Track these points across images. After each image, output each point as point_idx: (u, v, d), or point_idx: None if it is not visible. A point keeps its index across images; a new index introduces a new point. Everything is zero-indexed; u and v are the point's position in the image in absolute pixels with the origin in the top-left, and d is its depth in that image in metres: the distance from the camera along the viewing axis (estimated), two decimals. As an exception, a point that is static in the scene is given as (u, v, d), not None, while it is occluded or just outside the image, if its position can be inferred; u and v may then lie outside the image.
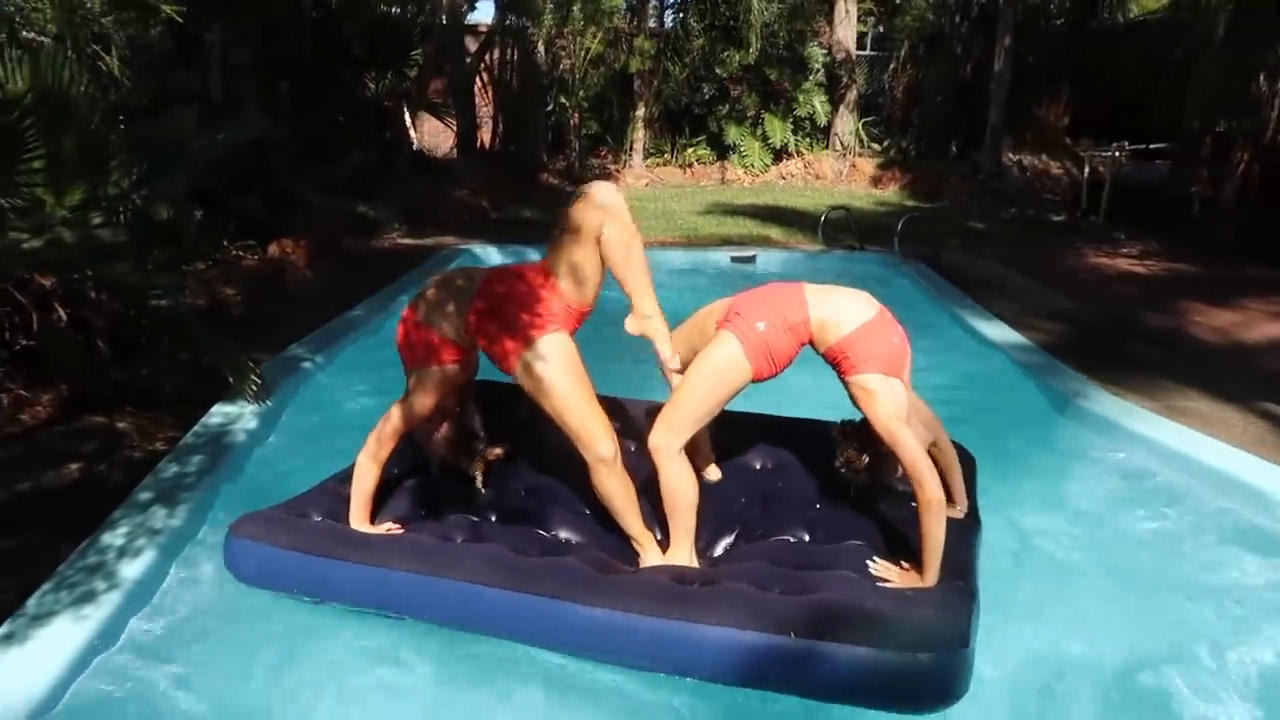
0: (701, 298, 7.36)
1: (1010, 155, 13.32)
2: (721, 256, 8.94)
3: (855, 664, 2.33)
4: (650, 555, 2.90)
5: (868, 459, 3.00)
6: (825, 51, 14.86)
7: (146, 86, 5.83)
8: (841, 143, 15.35)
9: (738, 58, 14.38)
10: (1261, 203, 8.78)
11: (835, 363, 2.85)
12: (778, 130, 14.84)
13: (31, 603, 2.55)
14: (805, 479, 3.34)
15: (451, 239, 9.29)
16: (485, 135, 14.53)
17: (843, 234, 9.45)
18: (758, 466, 3.52)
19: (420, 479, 3.26)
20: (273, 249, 7.38)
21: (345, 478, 3.15)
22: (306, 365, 4.83)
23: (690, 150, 15.24)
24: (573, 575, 2.64)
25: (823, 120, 15.15)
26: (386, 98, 11.00)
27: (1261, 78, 8.42)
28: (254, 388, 3.95)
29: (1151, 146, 11.44)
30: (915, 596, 2.56)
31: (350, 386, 4.91)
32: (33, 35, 4.97)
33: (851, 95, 15.23)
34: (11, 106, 3.38)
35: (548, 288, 2.79)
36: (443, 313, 2.83)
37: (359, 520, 2.93)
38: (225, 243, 7.05)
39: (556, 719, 2.51)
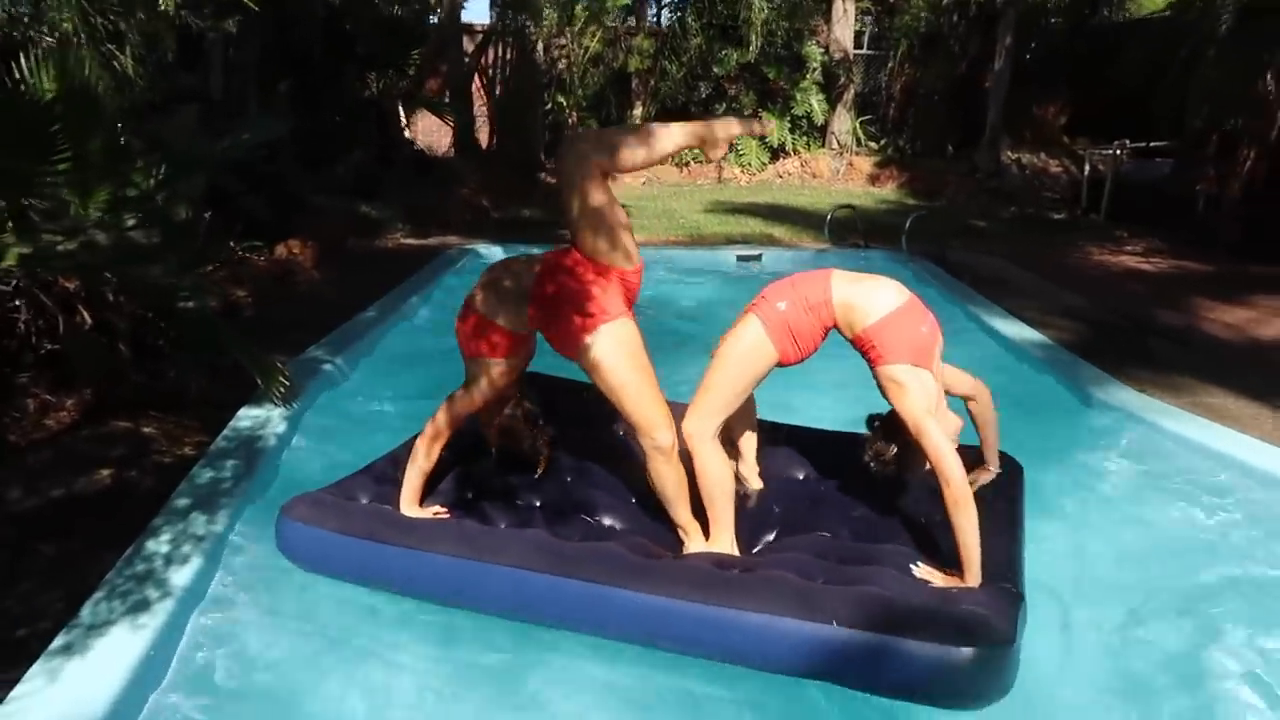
0: (710, 296, 7.38)
1: (1009, 154, 13.36)
2: (728, 256, 8.92)
3: (898, 656, 2.33)
4: (695, 543, 2.94)
5: (895, 450, 2.99)
6: (823, 50, 14.86)
7: (159, 85, 5.75)
8: (838, 141, 15.35)
9: (735, 56, 14.37)
10: (1267, 201, 8.82)
11: (864, 351, 2.86)
12: (775, 129, 14.82)
13: (85, 612, 2.50)
14: (846, 487, 3.33)
15: (455, 239, 9.24)
16: (482, 135, 14.47)
17: (849, 232, 9.45)
18: (801, 476, 3.52)
19: (466, 464, 3.29)
20: (280, 250, 7.31)
21: (393, 460, 3.26)
22: (327, 367, 4.78)
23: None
24: (618, 560, 2.68)
25: (820, 119, 15.16)
26: (386, 97, 10.93)
27: (1268, 76, 8.45)
28: (282, 390, 3.93)
29: (1152, 145, 11.51)
30: (960, 594, 2.56)
31: (371, 388, 4.88)
32: (44, 33, 4.89)
33: (849, 94, 15.24)
34: (40, 107, 3.31)
35: (596, 269, 2.77)
36: (503, 304, 2.84)
37: (409, 504, 2.98)
38: (232, 244, 6.99)
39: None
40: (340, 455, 3.92)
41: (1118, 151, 11.27)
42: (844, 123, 15.34)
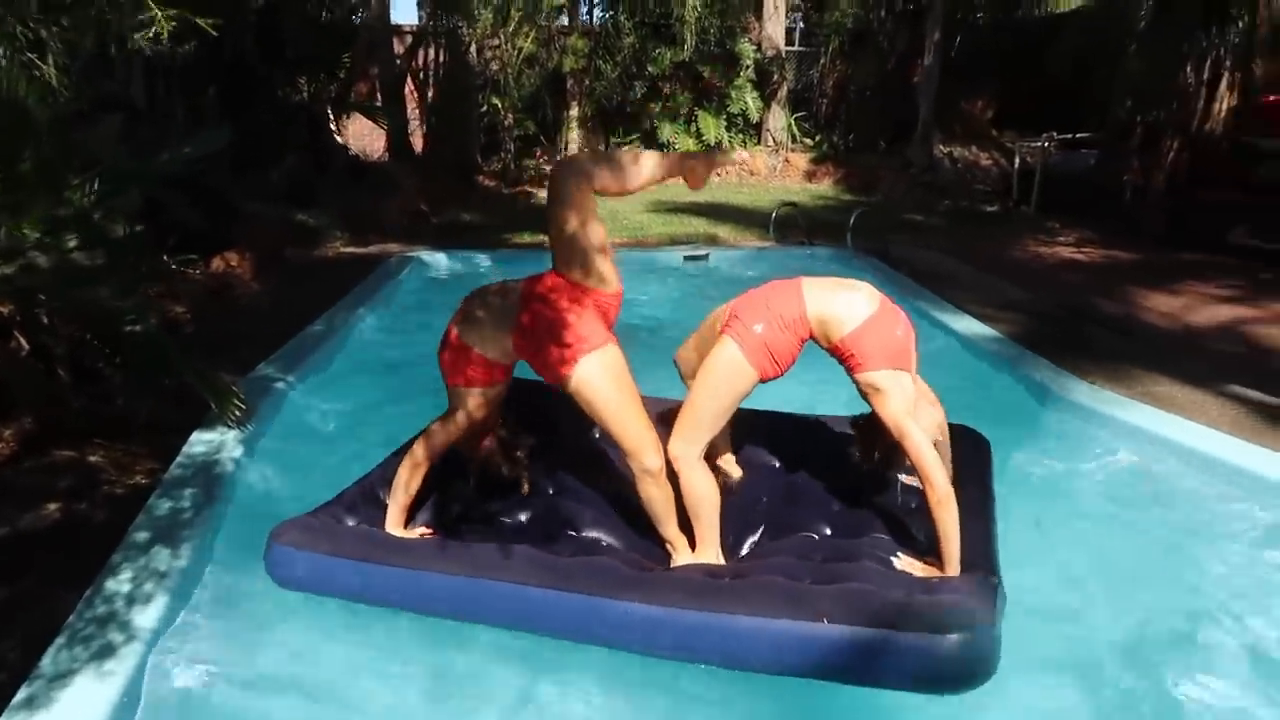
0: (660, 296, 7.40)
1: (940, 148, 13.61)
2: (674, 256, 8.91)
3: (887, 648, 2.39)
4: (682, 555, 2.97)
5: (879, 452, 3.11)
6: (755, 48, 14.95)
7: (83, 95, 5.48)
8: (774, 139, 15.47)
9: (669, 55, 14.37)
10: (1189, 191, 9.14)
11: (841, 359, 2.88)
12: (711, 127, 14.87)
13: (47, 662, 2.36)
14: (824, 475, 3.43)
15: (396, 246, 9.04)
16: (415, 138, 14.23)
17: (793, 230, 9.52)
18: (776, 464, 3.60)
19: (449, 483, 3.25)
20: (216, 263, 7.07)
21: (372, 484, 3.24)
22: (279, 385, 4.62)
23: (625, 149, 15.17)
24: (614, 573, 2.71)
25: (755, 116, 15.25)
26: (317, 101, 10.64)
27: (1188, 69, 8.75)
28: (236, 412, 3.79)
29: (1078, 136, 11.84)
30: (941, 583, 2.64)
31: (327, 405, 4.74)
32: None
33: (782, 91, 15.37)
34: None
35: (577, 294, 2.78)
36: (486, 334, 2.85)
37: (395, 525, 2.98)
38: (165, 257, 6.73)
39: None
40: (301, 478, 3.81)
41: (1046, 144, 11.57)
42: (779, 120, 15.46)
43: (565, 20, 14.50)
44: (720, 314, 3.04)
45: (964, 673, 2.40)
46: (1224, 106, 8.82)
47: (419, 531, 3.05)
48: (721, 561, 2.97)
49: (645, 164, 2.88)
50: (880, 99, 15.03)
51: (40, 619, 2.58)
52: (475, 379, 2.88)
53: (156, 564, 2.85)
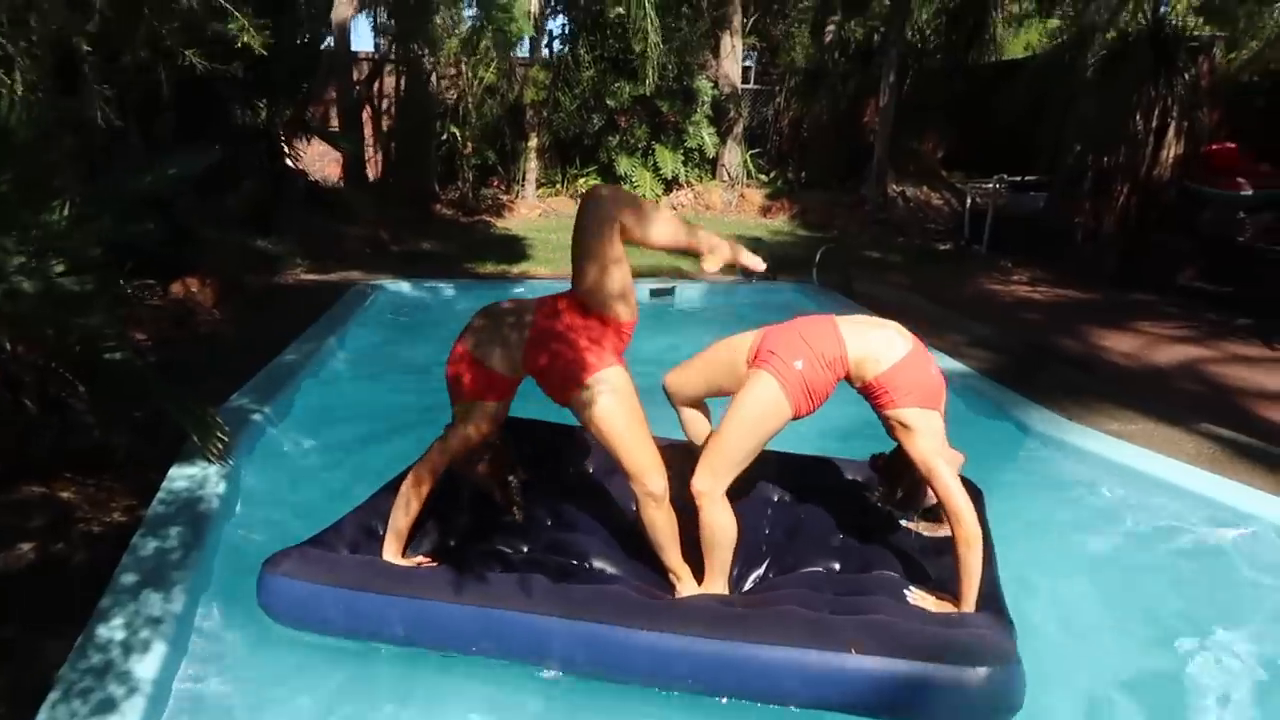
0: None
1: (894, 186, 13.89)
2: (640, 289, 8.86)
3: (917, 680, 2.39)
4: (686, 586, 2.95)
5: (902, 491, 3.11)
6: (713, 85, 15.13)
7: (45, 113, 5.28)
8: (729, 174, 15.63)
9: (628, 89, 14.46)
10: (1141, 233, 9.45)
11: (873, 397, 2.87)
12: (668, 161, 14.97)
13: (43, 718, 2.19)
14: (830, 512, 3.44)
15: (358, 274, 8.87)
16: (369, 165, 14.07)
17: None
18: (776, 499, 3.60)
19: (446, 510, 3.20)
20: (176, 288, 6.83)
21: (370, 510, 3.17)
22: (256, 417, 4.45)
23: (582, 180, 15.17)
24: (629, 603, 2.67)
25: (711, 152, 15.41)
26: (276, 125, 10.44)
27: (1138, 116, 9.07)
28: (219, 446, 3.64)
29: (1027, 179, 12.18)
30: (963, 618, 2.66)
31: (305, 438, 4.60)
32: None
33: (738, 128, 15.56)
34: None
35: (596, 318, 2.80)
36: (497, 348, 2.83)
37: (392, 553, 2.92)
38: (122, 282, 6.49)
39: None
40: (287, 513, 3.69)
41: (996, 185, 11.88)
42: (734, 155, 15.64)
43: (526, 51, 14.49)
44: (736, 346, 3.01)
45: (994, 706, 2.40)
46: (1171, 154, 9.15)
47: (417, 559, 3.00)
48: (727, 594, 2.95)
49: (673, 226, 2.88)
50: (834, 137, 15.32)
51: (28, 669, 2.42)
52: (484, 394, 2.87)
53: (149, 609, 2.69)
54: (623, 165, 14.87)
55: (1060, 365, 6.36)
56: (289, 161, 12.08)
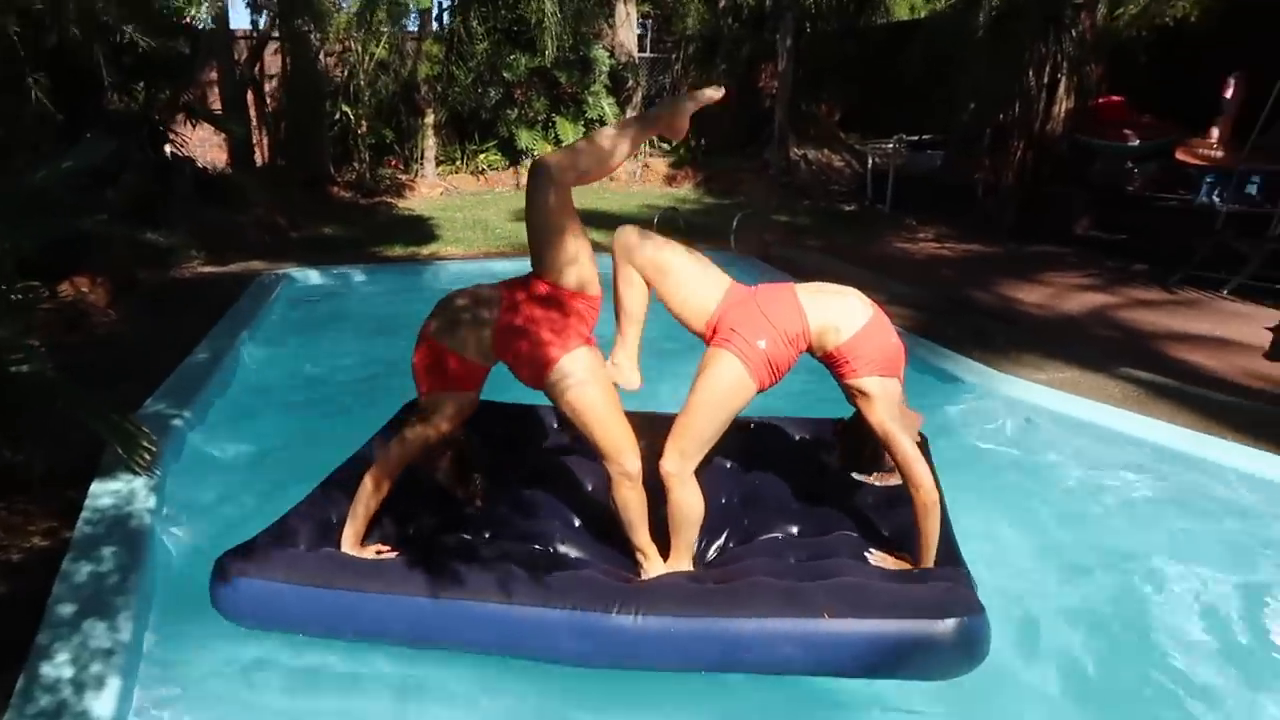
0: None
1: (796, 150, 14.02)
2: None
3: (890, 638, 2.43)
4: (654, 566, 2.91)
5: (866, 454, 3.14)
6: (609, 54, 14.95)
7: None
8: (631, 144, 15.50)
9: (524, 61, 14.15)
10: (1035, 187, 9.77)
11: (834, 366, 2.85)
12: (569, 133, 14.74)
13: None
14: (784, 477, 3.44)
15: (260, 264, 8.44)
16: (260, 149, 13.43)
17: (674, 233, 9.51)
18: (730, 466, 3.58)
19: (404, 499, 3.06)
20: (65, 290, 6.36)
21: (320, 499, 3.07)
22: (176, 423, 4.17)
23: (482, 156, 14.84)
24: (601, 587, 2.64)
25: (612, 122, 15.24)
26: (156, 110, 9.81)
27: (1030, 73, 9.34)
28: (146, 457, 3.39)
29: (923, 138, 12.47)
30: (924, 573, 2.71)
31: (229, 442, 4.33)
32: None
33: (637, 97, 15.43)
34: None
35: (563, 297, 2.73)
36: (466, 334, 2.75)
37: (351, 544, 2.82)
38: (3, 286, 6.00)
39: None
40: (223, 520, 3.49)
41: (895, 145, 12.12)
42: (635, 125, 15.50)
43: (416, 26, 14.01)
44: (701, 292, 2.88)
45: (965, 655, 2.45)
46: (1063, 108, 9.47)
47: (375, 549, 2.89)
48: (693, 570, 2.94)
49: (621, 139, 2.76)
50: (734, 103, 15.34)
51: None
52: (453, 383, 2.80)
53: (94, 640, 2.47)
54: (523, 139, 14.59)
55: (980, 318, 6.52)
56: (174, 149, 11.43)
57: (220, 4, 11.38)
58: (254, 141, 12.90)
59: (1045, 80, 9.38)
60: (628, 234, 2.85)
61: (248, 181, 11.04)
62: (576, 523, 3.23)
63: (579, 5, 14.05)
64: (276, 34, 12.62)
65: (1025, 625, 2.96)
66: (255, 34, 13.18)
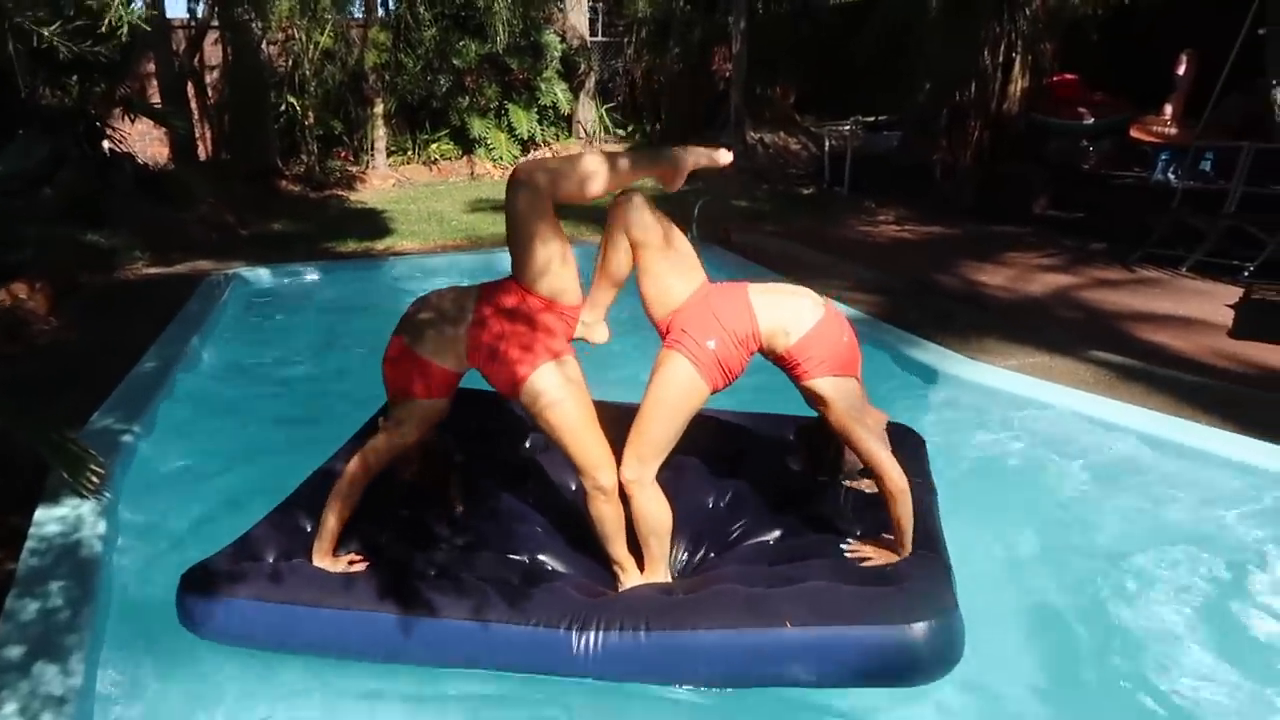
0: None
1: (752, 134, 13.94)
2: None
3: (855, 644, 2.36)
4: (631, 577, 2.87)
5: (829, 455, 3.08)
6: (561, 38, 14.72)
7: None
8: (585, 130, 15.34)
9: (474, 47, 13.87)
10: (993, 167, 9.79)
11: (787, 369, 2.81)
12: (523, 121, 14.53)
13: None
14: (760, 477, 3.36)
15: (208, 264, 8.15)
16: (203, 143, 13.03)
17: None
18: (709, 469, 3.47)
19: (375, 508, 2.95)
20: (1, 296, 6.06)
21: (290, 509, 2.99)
22: (126, 438, 3.97)
23: (434, 146, 14.54)
24: (572, 601, 2.60)
25: (566, 108, 15.05)
26: (92, 105, 9.43)
27: (985, 53, 9.34)
28: (94, 479, 3.19)
29: (879, 119, 12.45)
30: (897, 571, 2.62)
31: (183, 454, 4.14)
32: None
33: (590, 82, 15.25)
34: None
35: (540, 305, 2.66)
36: (440, 342, 2.68)
37: (322, 556, 2.72)
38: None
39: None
40: (180, 542, 3.32)
41: (852, 127, 12.08)
42: (589, 111, 15.35)
43: (362, 13, 13.63)
44: (670, 257, 2.78)
45: (936, 659, 2.38)
46: (1019, 87, 9.49)
47: (347, 559, 2.80)
48: (669, 580, 2.90)
49: (615, 170, 2.67)
50: (688, 87, 15.22)
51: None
52: (426, 390, 2.70)
53: (45, 686, 2.31)
54: (476, 127, 14.34)
55: (946, 302, 6.50)
56: (112, 144, 11.02)
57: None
58: (197, 135, 12.51)
59: (1000, 59, 9.38)
60: (636, 205, 2.72)
61: (192, 177, 10.68)
62: (555, 531, 3.13)
63: (528, -12, 13.80)
64: (216, 23, 12.22)
65: (997, 617, 2.93)
66: (193, 23, 12.77)
